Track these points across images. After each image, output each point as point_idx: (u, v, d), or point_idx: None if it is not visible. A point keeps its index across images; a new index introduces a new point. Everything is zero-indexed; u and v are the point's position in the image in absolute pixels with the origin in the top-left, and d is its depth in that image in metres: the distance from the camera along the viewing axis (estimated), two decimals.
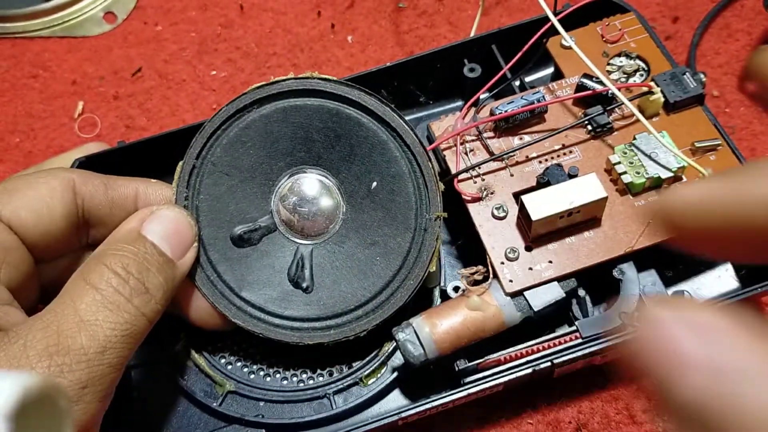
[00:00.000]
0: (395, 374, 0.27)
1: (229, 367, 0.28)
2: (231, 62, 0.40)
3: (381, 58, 0.39)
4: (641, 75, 0.30)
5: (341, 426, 0.26)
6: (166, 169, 0.28)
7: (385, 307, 0.26)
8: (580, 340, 0.26)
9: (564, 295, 0.26)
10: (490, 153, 0.29)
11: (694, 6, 0.39)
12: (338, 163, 0.27)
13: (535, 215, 0.25)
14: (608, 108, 0.29)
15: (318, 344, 0.25)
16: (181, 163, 0.27)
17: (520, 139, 0.29)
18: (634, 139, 0.28)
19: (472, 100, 0.29)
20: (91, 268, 0.22)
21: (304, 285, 0.26)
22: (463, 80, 0.33)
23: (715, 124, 0.29)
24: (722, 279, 0.29)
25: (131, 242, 0.23)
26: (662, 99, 0.28)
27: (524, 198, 0.26)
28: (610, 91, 0.28)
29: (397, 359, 0.28)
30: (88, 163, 0.30)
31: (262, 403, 0.27)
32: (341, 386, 0.27)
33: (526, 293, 0.26)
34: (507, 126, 0.29)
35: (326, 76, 0.27)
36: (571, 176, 0.27)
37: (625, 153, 0.27)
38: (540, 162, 0.28)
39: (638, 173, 0.27)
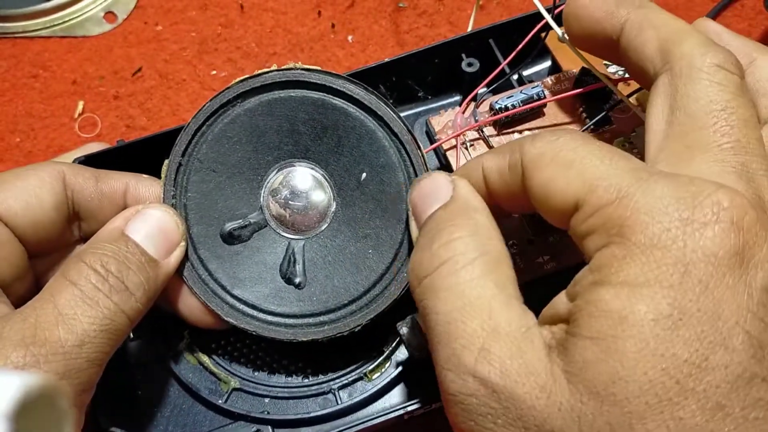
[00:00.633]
0: (400, 368, 0.27)
1: (234, 364, 0.28)
2: (231, 62, 0.40)
3: (381, 58, 0.39)
4: None
5: (347, 421, 0.26)
6: None
7: (379, 301, 0.25)
8: None
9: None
10: (491, 148, 0.29)
11: (694, 6, 0.39)
12: (326, 155, 0.27)
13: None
14: (606, 102, 0.29)
15: (312, 341, 0.25)
16: (167, 161, 0.26)
17: (520, 133, 0.29)
18: (633, 132, 0.28)
19: (471, 95, 0.30)
20: (71, 266, 0.22)
21: (297, 281, 0.26)
22: (461, 75, 0.33)
23: None
24: None
25: (113, 241, 0.23)
26: None
27: None
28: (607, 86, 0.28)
29: (402, 353, 0.28)
30: (87, 162, 0.30)
31: (267, 400, 0.27)
32: (346, 381, 0.27)
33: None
34: (507, 120, 0.29)
35: (310, 67, 0.26)
36: None
37: (624, 146, 0.28)
38: None
39: None
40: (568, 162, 0.19)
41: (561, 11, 0.30)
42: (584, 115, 0.29)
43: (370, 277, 0.26)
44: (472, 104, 0.29)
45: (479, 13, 0.40)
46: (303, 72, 0.26)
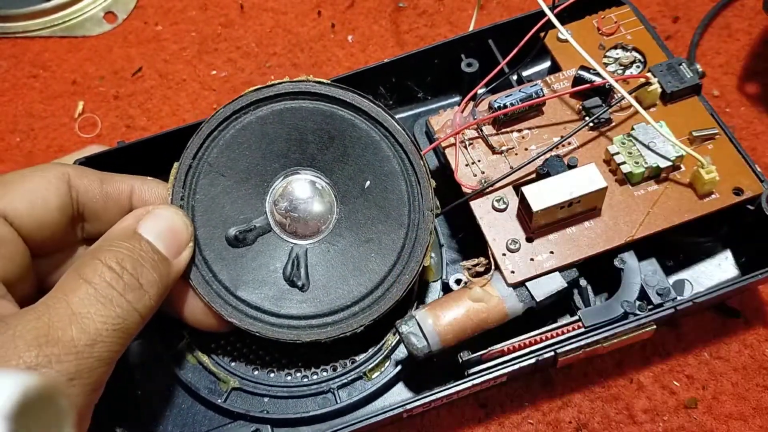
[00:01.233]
0: (399, 367, 0.27)
1: (233, 363, 0.28)
2: (231, 62, 0.40)
3: (381, 58, 0.39)
4: (638, 66, 0.31)
5: (346, 420, 0.26)
6: (166, 169, 0.28)
7: (381, 303, 0.26)
8: (582, 330, 0.26)
9: (566, 285, 0.26)
10: (490, 147, 0.29)
11: (695, 6, 0.40)
12: (332, 164, 0.27)
13: (535, 206, 0.25)
14: (606, 100, 0.29)
15: (315, 341, 0.26)
16: (177, 164, 0.27)
17: (519, 131, 0.29)
18: (633, 129, 0.28)
19: (470, 95, 0.30)
20: (86, 263, 0.22)
21: (300, 283, 0.26)
22: (460, 75, 0.33)
23: (712, 114, 0.29)
24: (722, 267, 0.29)
25: (127, 239, 0.23)
26: (659, 89, 0.29)
27: (524, 189, 0.26)
28: (607, 83, 0.28)
29: (401, 352, 0.28)
30: (87, 164, 0.30)
31: (266, 399, 0.27)
32: (345, 381, 0.27)
33: (528, 284, 0.26)
34: (506, 119, 0.29)
35: (321, 80, 0.27)
36: (570, 167, 0.27)
37: (624, 143, 0.28)
38: (539, 154, 0.28)
39: (637, 163, 0.27)
40: None
41: (562, 9, 0.30)
42: (583, 113, 0.29)
43: (372, 279, 0.26)
44: (471, 103, 0.29)
45: (479, 13, 0.40)
46: (314, 84, 0.27)
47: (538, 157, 0.28)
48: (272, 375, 0.28)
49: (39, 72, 0.40)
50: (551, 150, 0.28)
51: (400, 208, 0.26)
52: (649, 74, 0.29)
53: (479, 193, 0.28)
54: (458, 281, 0.28)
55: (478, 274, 0.26)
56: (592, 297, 0.27)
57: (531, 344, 0.26)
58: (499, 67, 0.30)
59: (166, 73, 0.40)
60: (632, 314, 0.26)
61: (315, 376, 0.28)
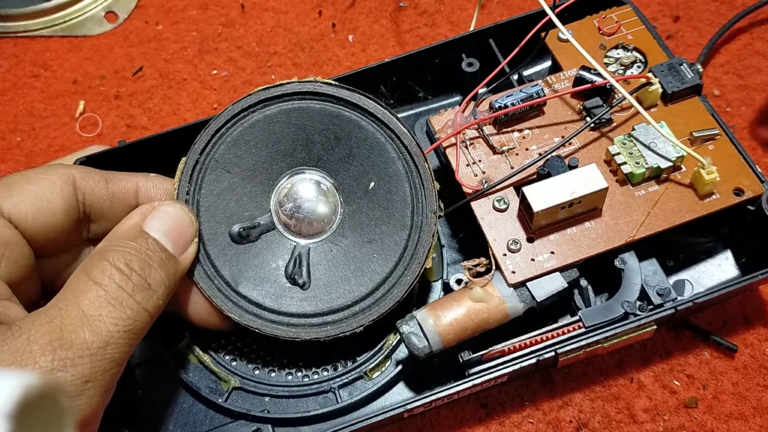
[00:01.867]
0: (400, 367, 0.27)
1: (234, 363, 0.28)
2: (232, 61, 0.40)
3: (382, 58, 0.39)
4: (638, 66, 0.31)
5: (347, 419, 0.26)
6: (167, 168, 0.28)
7: (382, 303, 0.26)
8: (582, 330, 0.26)
9: (566, 285, 0.26)
10: (490, 147, 0.29)
11: (695, 5, 0.39)
12: (337, 164, 0.27)
13: (536, 206, 0.25)
14: (607, 100, 0.29)
15: (315, 340, 0.26)
16: (184, 159, 0.27)
17: (520, 131, 0.29)
18: (633, 129, 0.28)
19: (471, 95, 0.30)
20: (94, 264, 0.22)
21: (301, 282, 0.26)
22: (461, 75, 0.33)
23: (712, 114, 0.29)
24: (723, 267, 0.29)
25: (133, 238, 0.23)
26: (660, 90, 0.29)
27: (525, 189, 0.26)
28: (608, 83, 0.28)
29: (402, 352, 0.28)
30: (88, 163, 0.30)
31: (267, 399, 0.27)
32: (346, 380, 0.27)
33: (528, 284, 0.26)
34: (506, 119, 0.29)
35: (328, 81, 0.28)
36: (571, 167, 0.27)
37: (624, 144, 0.28)
38: (540, 154, 0.28)
39: (638, 163, 0.27)
40: None
41: (563, 9, 0.30)
42: (584, 113, 0.29)
43: (373, 280, 0.26)
44: (472, 103, 0.29)
45: (480, 13, 0.40)
46: (322, 84, 0.27)
47: (541, 159, 0.28)
48: (273, 374, 0.28)
49: (40, 71, 0.40)
50: (554, 151, 0.28)
51: (404, 209, 0.26)
52: (649, 74, 0.29)
53: (480, 194, 0.28)
54: (459, 281, 0.28)
55: (479, 275, 0.26)
56: (592, 297, 0.27)
57: (531, 344, 0.26)
58: (499, 67, 0.30)
59: (167, 72, 0.40)
60: (633, 314, 0.26)
61: (316, 376, 0.28)
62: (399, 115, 0.27)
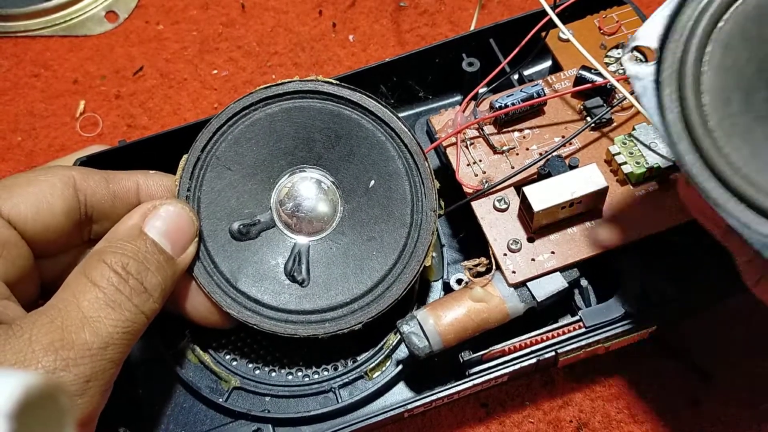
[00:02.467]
0: (400, 367, 0.27)
1: (234, 363, 0.28)
2: (232, 61, 0.40)
3: (382, 57, 0.39)
4: None
5: (347, 419, 0.26)
6: (167, 168, 0.28)
7: (380, 301, 0.26)
8: (583, 330, 0.26)
9: (566, 285, 0.26)
10: (491, 146, 0.29)
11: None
12: (338, 163, 0.28)
13: (537, 206, 0.25)
14: (607, 100, 0.29)
15: (313, 337, 0.26)
16: (186, 156, 0.27)
17: (520, 131, 0.29)
18: (634, 129, 0.28)
19: (471, 94, 0.30)
20: (93, 265, 0.22)
21: (300, 279, 0.26)
22: (461, 74, 0.33)
23: None
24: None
25: (132, 240, 0.23)
26: None
27: (526, 189, 0.26)
28: (609, 83, 0.28)
29: (402, 352, 0.28)
30: (89, 163, 0.30)
31: (267, 398, 0.27)
32: (346, 380, 0.27)
33: (529, 284, 0.26)
34: (507, 119, 0.29)
35: (329, 79, 0.28)
36: (571, 167, 0.27)
37: (625, 143, 0.28)
38: (540, 154, 0.28)
39: (638, 163, 0.27)
40: None
41: (563, 9, 0.30)
42: (585, 113, 0.29)
43: (372, 277, 0.26)
44: (473, 103, 0.29)
45: (480, 12, 0.40)
46: (323, 83, 0.28)
47: (542, 159, 0.28)
48: (273, 374, 0.28)
49: (40, 71, 0.40)
50: (554, 151, 0.28)
51: (403, 207, 0.26)
52: None
53: (481, 194, 0.28)
54: (459, 281, 0.28)
55: (479, 274, 0.26)
56: (593, 297, 0.27)
57: (532, 344, 0.26)
58: (500, 67, 0.30)
59: (168, 72, 0.40)
60: (633, 314, 0.26)
61: (316, 376, 0.28)
62: (399, 115, 0.27)
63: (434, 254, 0.29)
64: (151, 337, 0.28)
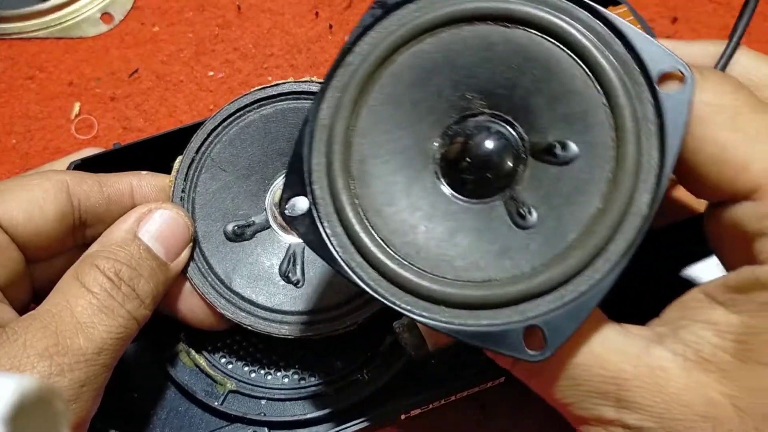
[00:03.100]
0: (396, 369, 0.27)
1: (230, 366, 0.28)
2: (229, 63, 0.40)
3: None
4: None
5: (344, 422, 0.26)
6: (162, 171, 0.28)
7: (375, 301, 0.26)
8: None
9: None
10: None
11: (693, 7, 0.39)
12: None
13: None
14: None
15: (307, 337, 0.25)
16: (180, 157, 0.27)
17: None
18: None
19: None
20: (86, 270, 0.22)
21: (295, 279, 0.26)
22: None
23: None
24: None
25: (125, 245, 0.23)
26: None
27: None
28: None
29: (398, 353, 0.28)
30: (83, 166, 0.30)
31: (263, 402, 0.27)
32: (343, 383, 0.27)
33: None
34: None
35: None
36: None
37: None
38: None
39: None
40: (753, 132, 0.16)
41: None
42: None
43: None
44: None
45: None
46: (317, 84, 0.27)
47: None
48: (269, 377, 0.28)
49: (35, 73, 0.40)
50: None
51: None
52: None
53: None
54: None
55: None
56: None
57: None
58: None
59: (163, 74, 0.40)
60: None
61: (312, 378, 0.28)
62: None
63: None
64: (147, 341, 0.28)
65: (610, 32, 0.18)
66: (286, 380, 0.28)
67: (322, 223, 0.19)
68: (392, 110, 0.20)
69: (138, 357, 0.28)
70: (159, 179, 0.27)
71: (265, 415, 0.27)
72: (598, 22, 0.18)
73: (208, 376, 0.27)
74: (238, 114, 0.27)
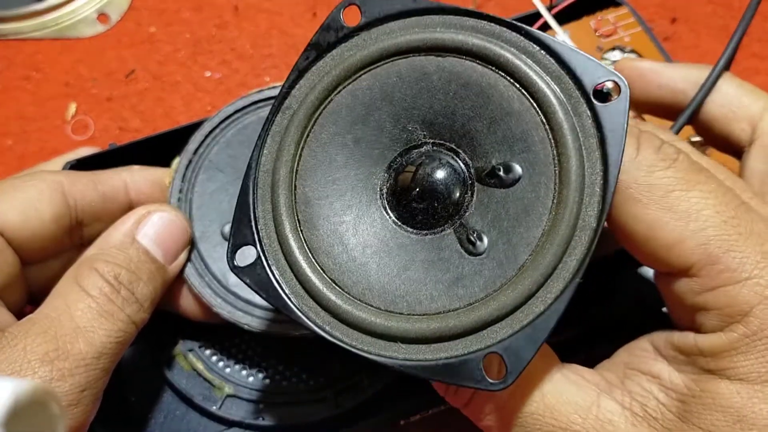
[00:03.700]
0: (397, 374, 0.27)
1: (227, 370, 0.28)
2: (226, 63, 0.40)
3: None
4: None
5: (342, 427, 0.26)
6: None
7: None
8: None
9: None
10: None
11: (692, 7, 0.39)
12: None
13: None
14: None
15: (303, 337, 0.25)
16: (178, 158, 0.27)
17: None
18: None
19: None
20: (84, 274, 0.22)
21: None
22: None
23: None
24: None
25: (124, 248, 0.23)
26: None
27: None
28: (605, 87, 0.28)
29: None
30: (78, 166, 0.29)
31: (261, 406, 0.27)
32: (342, 387, 0.27)
33: None
34: None
35: None
36: None
37: None
38: None
39: None
40: (683, 211, 0.17)
41: (559, 11, 0.30)
42: None
43: None
44: None
45: None
46: None
47: None
48: (268, 381, 0.27)
49: (31, 74, 0.40)
50: None
51: None
52: None
53: None
54: None
55: None
56: None
57: None
58: None
59: (160, 74, 0.40)
60: None
61: (311, 382, 0.27)
62: None
63: None
64: (144, 345, 0.28)
65: (542, 51, 0.18)
66: (285, 384, 0.27)
67: (271, 270, 0.19)
68: (335, 150, 0.20)
69: (135, 361, 0.28)
70: (151, 172, 0.27)
71: (263, 419, 0.26)
72: (530, 42, 0.18)
73: (205, 379, 0.27)
74: (235, 116, 0.27)
